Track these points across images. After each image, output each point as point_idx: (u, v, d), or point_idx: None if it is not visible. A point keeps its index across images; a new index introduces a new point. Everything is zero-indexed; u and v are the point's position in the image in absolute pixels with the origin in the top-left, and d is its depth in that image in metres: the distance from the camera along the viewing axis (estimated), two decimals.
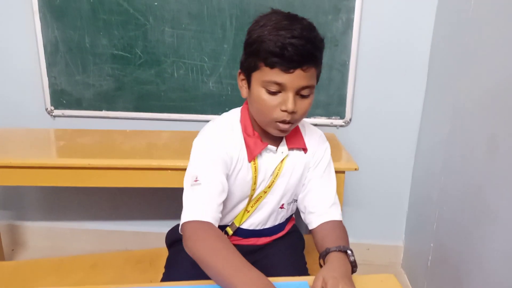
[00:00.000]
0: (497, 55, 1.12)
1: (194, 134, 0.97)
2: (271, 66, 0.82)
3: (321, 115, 1.75)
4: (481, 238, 1.15)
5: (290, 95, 0.84)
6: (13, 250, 1.95)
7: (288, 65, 0.81)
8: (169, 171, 1.32)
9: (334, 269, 0.78)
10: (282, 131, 0.90)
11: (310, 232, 1.01)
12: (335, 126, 1.78)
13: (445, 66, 1.51)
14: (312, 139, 1.03)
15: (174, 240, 1.14)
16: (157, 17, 1.64)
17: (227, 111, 1.02)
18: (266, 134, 0.96)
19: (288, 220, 1.14)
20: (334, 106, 1.74)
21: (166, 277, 1.06)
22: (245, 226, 1.05)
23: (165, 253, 1.17)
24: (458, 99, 1.36)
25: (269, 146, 0.97)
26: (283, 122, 0.87)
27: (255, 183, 0.98)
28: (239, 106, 1.01)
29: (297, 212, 1.11)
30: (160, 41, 1.67)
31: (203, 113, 1.75)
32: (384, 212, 1.90)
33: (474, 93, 1.25)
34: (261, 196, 1.01)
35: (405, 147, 1.79)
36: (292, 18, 0.84)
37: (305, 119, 1.02)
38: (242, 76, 0.92)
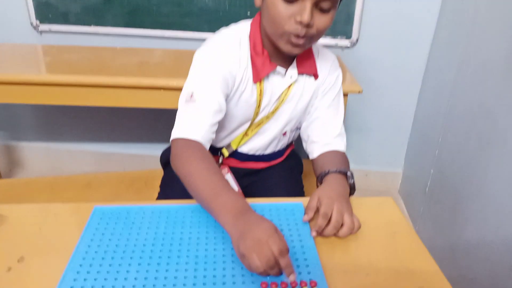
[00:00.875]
0: None
1: (188, 53, 0.89)
2: None
3: (326, 34, 1.63)
4: (486, 163, 1.12)
5: (307, 5, 0.73)
6: (10, 170, 1.96)
7: None
8: (162, 90, 1.25)
9: (330, 189, 0.74)
10: (295, 45, 0.79)
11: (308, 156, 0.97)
12: (341, 47, 1.67)
13: None
14: (324, 64, 0.94)
15: (169, 160, 1.11)
16: None
17: (226, 27, 0.91)
18: (276, 54, 0.86)
19: (288, 146, 1.10)
20: (341, 25, 1.61)
21: (161, 196, 1.05)
22: (244, 150, 1.01)
23: (161, 174, 1.14)
24: (475, 17, 1.24)
25: (278, 68, 0.88)
26: (297, 36, 0.77)
27: (258, 106, 0.91)
28: (238, 23, 0.90)
29: (297, 138, 1.06)
30: None
31: (198, 30, 1.63)
32: (385, 138, 1.86)
33: (491, 13, 1.14)
34: (262, 121, 0.95)
35: (413, 70, 1.70)
36: None
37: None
38: None
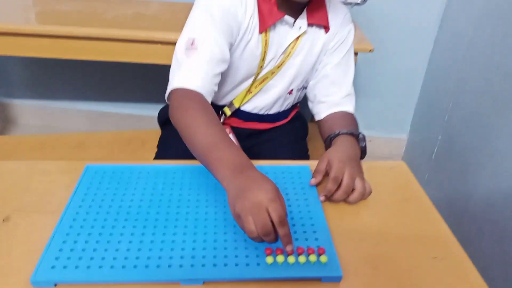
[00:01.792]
0: None
1: (187, 6, 0.80)
2: None
3: None
4: (500, 128, 1.06)
5: None
6: (4, 127, 1.89)
7: None
8: (159, 44, 1.17)
9: (341, 152, 0.69)
10: None
11: (313, 118, 0.91)
12: (350, 4, 1.56)
13: None
14: (336, 17, 0.86)
15: (167, 118, 1.04)
16: None
17: None
18: (285, 2, 0.78)
19: (294, 107, 1.03)
20: None
21: (158, 156, 1.00)
22: (247, 108, 0.94)
23: (159, 134, 1.09)
24: None
25: (286, 17, 0.80)
26: None
27: (263, 59, 0.84)
28: None
29: (303, 99, 0.99)
30: None
31: None
32: (392, 103, 1.79)
33: None
34: (267, 77, 0.88)
35: (426, 29, 1.60)
36: None
37: None
38: None
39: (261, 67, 0.86)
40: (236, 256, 0.53)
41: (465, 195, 1.21)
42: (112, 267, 0.51)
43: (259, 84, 0.90)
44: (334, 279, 0.52)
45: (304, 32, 0.83)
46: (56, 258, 0.52)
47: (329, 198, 0.65)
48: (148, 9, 1.38)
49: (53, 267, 0.50)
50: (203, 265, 0.52)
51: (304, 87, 0.95)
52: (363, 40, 1.24)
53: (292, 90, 0.93)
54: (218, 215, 0.61)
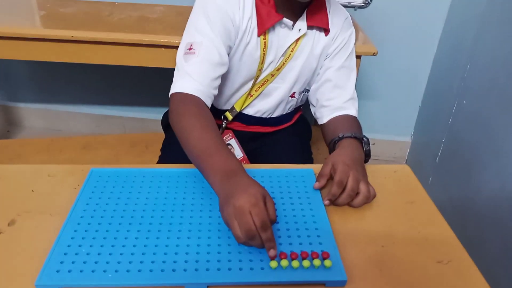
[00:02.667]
0: None
1: (192, 9, 0.80)
2: None
3: None
4: (506, 128, 1.05)
5: None
6: (8, 131, 1.91)
7: None
8: (164, 48, 1.18)
9: (346, 155, 0.69)
10: None
11: (316, 121, 0.91)
12: (353, 7, 1.56)
13: None
14: (336, 20, 0.86)
15: None
16: None
17: None
18: (284, 4, 0.79)
19: (297, 110, 1.03)
20: None
21: (162, 160, 1.00)
22: (250, 112, 0.94)
23: (163, 138, 1.09)
24: None
25: (284, 20, 0.80)
26: None
27: (262, 62, 0.84)
28: None
29: (305, 104, 0.99)
30: None
31: None
32: (395, 105, 1.79)
33: None
34: (267, 80, 0.88)
35: (430, 30, 1.60)
36: None
37: None
38: None
39: (260, 70, 0.86)
40: (240, 261, 0.53)
41: (469, 198, 1.21)
42: (116, 271, 0.51)
43: (259, 87, 0.90)
44: (339, 284, 0.52)
45: (304, 34, 0.83)
46: (61, 262, 0.52)
47: (333, 202, 0.64)
48: (153, 12, 1.38)
49: (57, 271, 0.51)
50: (207, 269, 0.52)
51: (307, 91, 0.95)
52: (366, 43, 1.24)
53: (294, 93, 0.93)
54: (222, 219, 0.61)
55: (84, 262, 0.52)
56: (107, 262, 0.52)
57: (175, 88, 0.75)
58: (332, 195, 0.63)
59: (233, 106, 0.93)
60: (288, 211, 0.63)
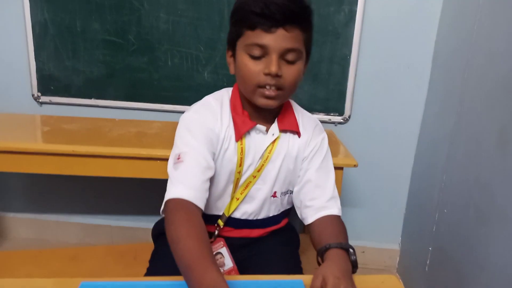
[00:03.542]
0: (507, 45, 1.07)
1: None
2: (253, 27, 0.80)
3: (319, 111, 1.69)
4: (485, 240, 1.10)
5: (273, 57, 0.79)
6: None
7: (269, 23, 0.78)
8: (159, 161, 1.25)
9: (335, 267, 0.71)
10: (268, 98, 0.84)
11: (306, 230, 0.94)
12: (333, 123, 1.72)
13: (450, 59, 1.45)
14: (308, 125, 0.97)
15: (161, 232, 1.07)
16: (152, 1, 1.57)
17: None
18: (256, 114, 0.91)
19: (284, 214, 1.07)
20: (333, 102, 1.68)
21: (150, 272, 0.99)
22: (237, 215, 0.98)
23: (152, 248, 1.10)
24: (464, 92, 1.31)
25: (258, 126, 0.91)
26: (268, 87, 0.82)
27: (240, 165, 0.92)
28: (220, 90, 0.97)
29: (292, 212, 1.04)
30: (154, 27, 1.60)
31: None
32: (381, 213, 1.84)
33: (481, 86, 1.20)
34: (250, 182, 0.95)
35: (406, 145, 1.74)
36: None
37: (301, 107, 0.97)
38: (230, 53, 0.89)
39: (239, 173, 0.93)
40: None
41: None
42: None
43: (244, 190, 0.95)
44: None
45: (278, 137, 0.93)
46: None
47: None
48: (151, 128, 1.50)
49: None
50: None
51: (290, 192, 1.00)
52: (347, 156, 1.34)
53: (275, 192, 0.98)
54: None
55: None
56: None
57: (167, 195, 0.80)
58: None
59: (223, 213, 0.97)
60: None
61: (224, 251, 0.98)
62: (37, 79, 1.69)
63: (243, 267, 0.98)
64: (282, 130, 0.94)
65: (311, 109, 1.63)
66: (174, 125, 1.54)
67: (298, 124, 0.96)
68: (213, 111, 0.90)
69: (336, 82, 1.65)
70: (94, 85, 1.68)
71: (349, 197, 1.82)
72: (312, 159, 0.96)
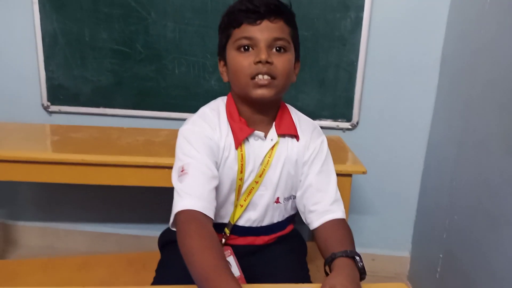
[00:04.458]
0: None
1: None
2: (239, 24, 0.84)
3: (327, 118, 1.68)
4: (495, 246, 1.08)
5: (261, 46, 0.83)
6: (3, 250, 1.88)
7: (254, 16, 0.82)
8: (167, 169, 1.26)
9: (343, 277, 0.70)
10: (262, 86, 0.84)
11: (312, 236, 0.93)
12: (341, 129, 1.71)
13: (458, 64, 1.44)
14: (306, 129, 0.97)
15: (167, 241, 1.07)
16: (159, 11, 1.59)
17: None
18: (253, 119, 0.91)
19: (288, 220, 1.06)
20: (341, 108, 1.67)
21: (156, 281, 0.99)
22: (241, 222, 0.98)
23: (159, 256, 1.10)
24: (472, 97, 1.30)
25: (256, 132, 0.91)
26: (261, 76, 0.83)
27: (241, 172, 0.92)
28: (215, 100, 0.98)
29: (298, 219, 1.03)
30: (162, 36, 1.62)
31: None
32: (390, 220, 1.82)
33: (489, 90, 1.19)
34: (253, 188, 0.94)
35: (414, 151, 1.72)
36: None
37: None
38: (222, 63, 0.92)
39: (241, 179, 0.92)
40: None
41: None
42: None
43: (247, 196, 0.95)
44: None
45: (277, 142, 0.93)
46: None
47: None
48: (158, 136, 1.51)
49: None
50: None
51: (293, 197, 0.99)
52: (356, 163, 1.33)
53: (278, 198, 0.97)
54: None
55: None
56: None
57: (176, 208, 0.79)
58: None
59: (229, 221, 0.97)
60: None
61: (231, 259, 0.98)
62: (47, 88, 1.71)
63: (250, 275, 0.97)
64: (281, 135, 0.94)
65: (318, 116, 1.66)
66: None
67: (296, 127, 0.96)
68: (211, 121, 0.90)
69: (343, 88, 1.64)
70: (102, 94, 1.70)
71: (358, 204, 1.80)
72: (312, 163, 0.95)
